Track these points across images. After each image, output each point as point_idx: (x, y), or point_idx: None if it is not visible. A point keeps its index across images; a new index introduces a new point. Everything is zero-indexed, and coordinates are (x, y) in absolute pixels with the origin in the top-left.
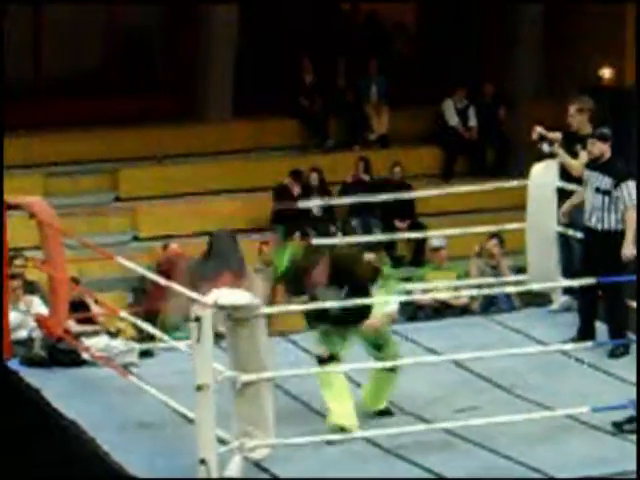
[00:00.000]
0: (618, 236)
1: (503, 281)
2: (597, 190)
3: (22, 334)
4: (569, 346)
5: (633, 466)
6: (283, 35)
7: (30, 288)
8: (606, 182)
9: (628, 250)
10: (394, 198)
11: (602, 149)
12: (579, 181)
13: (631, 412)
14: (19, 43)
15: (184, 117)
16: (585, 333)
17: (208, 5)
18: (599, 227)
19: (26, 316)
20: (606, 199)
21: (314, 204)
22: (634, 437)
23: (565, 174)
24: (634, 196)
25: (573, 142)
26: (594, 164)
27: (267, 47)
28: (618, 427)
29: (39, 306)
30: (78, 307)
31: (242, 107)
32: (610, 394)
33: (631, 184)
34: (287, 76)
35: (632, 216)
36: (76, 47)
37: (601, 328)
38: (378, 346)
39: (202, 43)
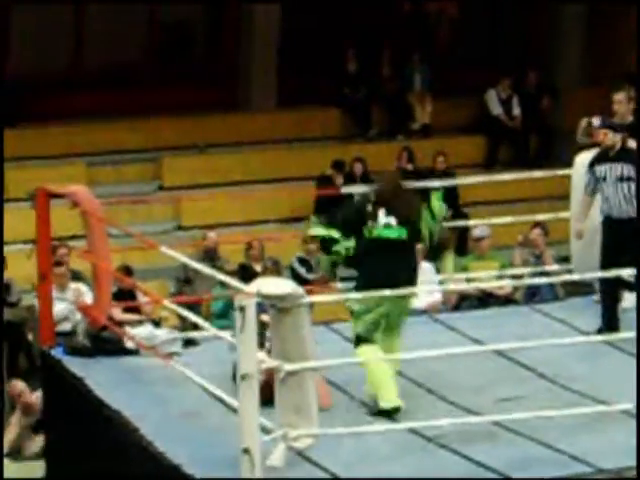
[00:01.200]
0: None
1: (547, 271)
2: (620, 179)
3: (68, 326)
4: (613, 336)
5: None
6: (327, 24)
7: (75, 277)
8: (627, 169)
9: None
10: (437, 186)
11: (615, 139)
12: None
13: None
14: (62, 35)
15: (227, 107)
16: (611, 323)
17: (251, 5)
18: (624, 216)
19: (73, 306)
20: (629, 186)
21: (357, 190)
22: None
23: None
24: None
25: (617, 131)
26: (607, 156)
27: (310, 36)
28: None
29: (86, 294)
30: (123, 296)
31: (285, 97)
32: None
33: None
34: (331, 65)
35: None
36: (119, 40)
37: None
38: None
39: (245, 33)
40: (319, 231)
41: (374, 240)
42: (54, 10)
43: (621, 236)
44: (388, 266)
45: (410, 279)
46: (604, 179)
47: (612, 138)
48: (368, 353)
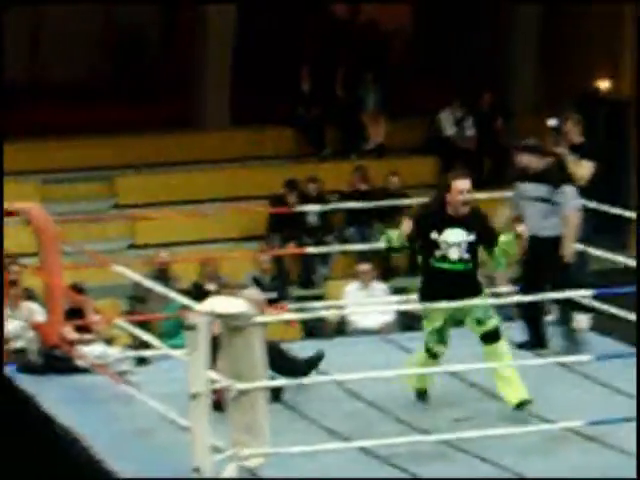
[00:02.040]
0: (558, 241)
1: (498, 292)
2: (536, 199)
3: (21, 343)
4: (565, 358)
5: (630, 476)
6: (281, 43)
7: (28, 295)
8: (544, 190)
9: (568, 251)
10: (390, 206)
11: (529, 160)
12: (581, 191)
13: None
14: (16, 50)
15: (182, 125)
16: (537, 338)
17: (205, 13)
18: (542, 234)
19: (25, 324)
20: (546, 207)
21: (310, 209)
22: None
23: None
24: (572, 201)
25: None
26: (525, 176)
27: (265, 56)
28: None
29: (38, 314)
30: (75, 314)
31: (240, 116)
32: (605, 405)
33: (568, 189)
34: (285, 84)
35: (572, 220)
36: (72, 54)
37: (599, 339)
38: (481, 321)
39: (199, 51)
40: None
41: None
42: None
43: (539, 253)
44: None
45: None
46: (525, 197)
47: (527, 159)
48: None
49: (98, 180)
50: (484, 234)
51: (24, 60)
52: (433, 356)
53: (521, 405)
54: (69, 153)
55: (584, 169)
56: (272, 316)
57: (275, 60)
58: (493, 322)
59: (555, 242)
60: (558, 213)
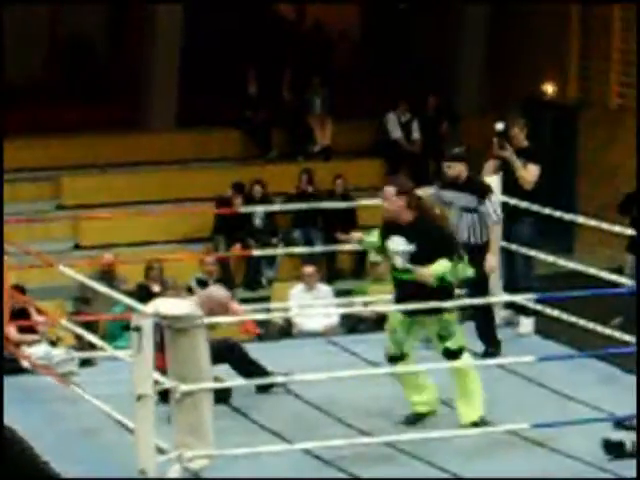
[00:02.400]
0: (483, 250)
1: None
2: (463, 209)
3: None
4: (507, 360)
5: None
6: (228, 45)
7: None
8: (470, 200)
9: (491, 261)
10: (336, 208)
11: (459, 169)
12: (527, 195)
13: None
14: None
15: (127, 126)
16: (494, 343)
17: (153, 13)
18: (468, 242)
19: None
20: (473, 217)
21: (256, 210)
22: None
23: (511, 189)
24: (498, 211)
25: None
26: (453, 185)
27: (212, 57)
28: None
29: None
30: (19, 315)
31: (185, 117)
32: (548, 408)
33: (494, 198)
34: (231, 87)
35: (495, 229)
36: (18, 54)
37: (538, 343)
38: (442, 337)
39: (145, 53)
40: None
41: None
42: None
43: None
44: None
45: None
46: (451, 205)
47: (458, 168)
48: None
49: (42, 180)
50: (424, 249)
51: None
52: (391, 360)
53: (477, 425)
54: (13, 153)
55: (530, 173)
56: (221, 318)
57: (222, 62)
58: (454, 338)
59: (480, 250)
60: (482, 222)
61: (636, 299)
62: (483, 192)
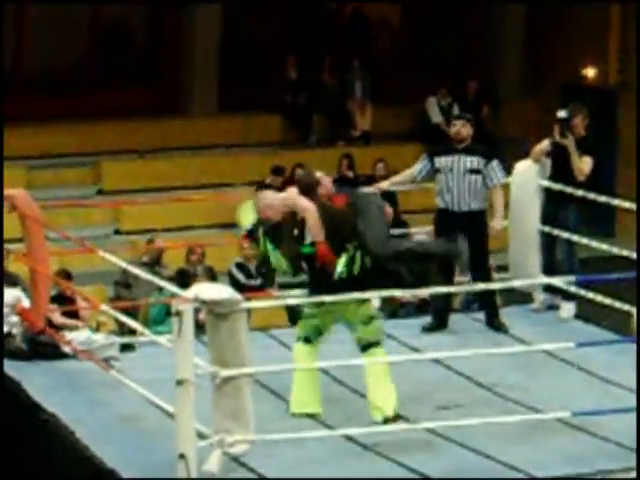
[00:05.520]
0: (484, 215)
1: None
2: (467, 171)
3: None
4: (550, 345)
5: (609, 465)
6: (269, 31)
7: (11, 280)
8: (476, 162)
9: (498, 224)
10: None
11: (470, 132)
12: (577, 184)
13: None
14: (3, 37)
15: (168, 112)
16: (442, 322)
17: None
18: (465, 208)
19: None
20: (477, 179)
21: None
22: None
23: (561, 176)
24: (501, 175)
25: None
26: (454, 149)
27: (252, 43)
28: None
29: (23, 300)
30: (63, 300)
31: (227, 102)
32: (589, 394)
33: (496, 163)
34: (272, 72)
35: (501, 193)
36: (59, 42)
37: (579, 328)
38: (358, 327)
39: (186, 38)
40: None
41: None
42: None
43: (458, 229)
44: None
45: None
46: (450, 170)
47: (469, 130)
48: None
49: (83, 166)
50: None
51: (8, 52)
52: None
53: (387, 422)
54: (54, 139)
55: (585, 165)
56: (257, 302)
57: (262, 47)
58: (367, 330)
59: (482, 214)
60: (485, 186)
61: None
62: (490, 153)
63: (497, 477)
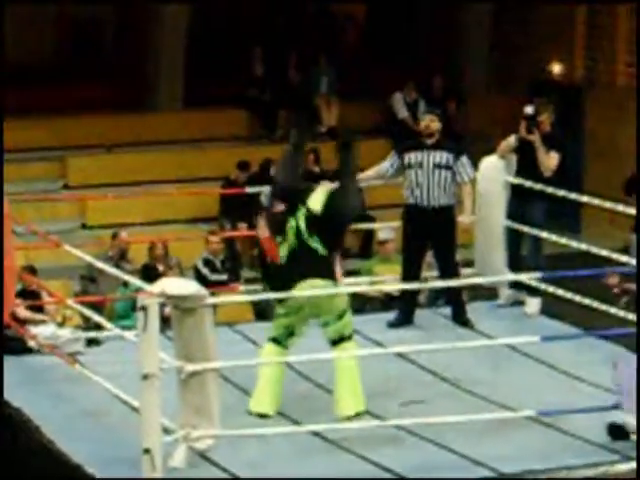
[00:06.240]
0: (452, 210)
1: None
2: (436, 166)
3: None
4: (515, 340)
5: (575, 461)
6: (234, 26)
7: None
8: (446, 157)
9: (467, 218)
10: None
11: (439, 127)
12: (543, 180)
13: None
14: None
15: (134, 106)
16: (408, 318)
17: None
18: (435, 204)
19: None
20: (447, 174)
21: (261, 190)
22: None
23: (527, 172)
24: (470, 171)
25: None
26: (423, 145)
27: (218, 38)
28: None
29: None
30: (28, 295)
31: (193, 97)
32: (554, 389)
33: (465, 159)
34: (238, 67)
35: (471, 188)
36: (25, 37)
37: (544, 323)
38: (328, 322)
39: (153, 33)
40: None
41: None
42: None
43: (427, 225)
44: None
45: None
46: (419, 166)
47: (438, 125)
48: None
49: (49, 160)
50: None
51: None
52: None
53: (353, 417)
54: (21, 133)
55: (551, 160)
56: (223, 297)
57: (228, 43)
58: (340, 323)
59: (450, 209)
60: (455, 182)
61: (636, 294)
62: (460, 149)
63: (463, 472)
